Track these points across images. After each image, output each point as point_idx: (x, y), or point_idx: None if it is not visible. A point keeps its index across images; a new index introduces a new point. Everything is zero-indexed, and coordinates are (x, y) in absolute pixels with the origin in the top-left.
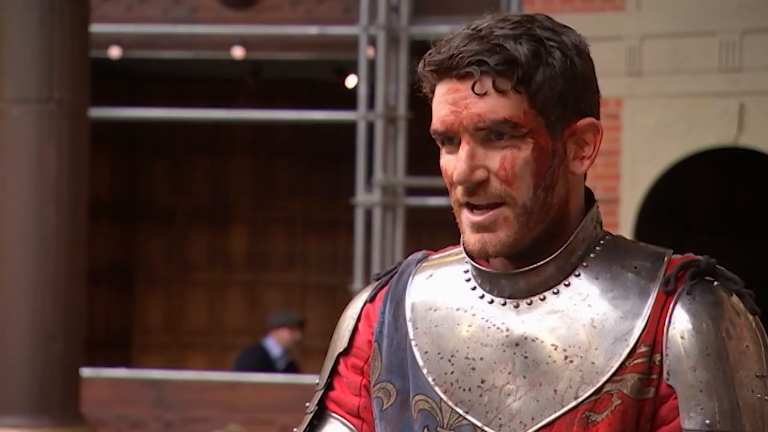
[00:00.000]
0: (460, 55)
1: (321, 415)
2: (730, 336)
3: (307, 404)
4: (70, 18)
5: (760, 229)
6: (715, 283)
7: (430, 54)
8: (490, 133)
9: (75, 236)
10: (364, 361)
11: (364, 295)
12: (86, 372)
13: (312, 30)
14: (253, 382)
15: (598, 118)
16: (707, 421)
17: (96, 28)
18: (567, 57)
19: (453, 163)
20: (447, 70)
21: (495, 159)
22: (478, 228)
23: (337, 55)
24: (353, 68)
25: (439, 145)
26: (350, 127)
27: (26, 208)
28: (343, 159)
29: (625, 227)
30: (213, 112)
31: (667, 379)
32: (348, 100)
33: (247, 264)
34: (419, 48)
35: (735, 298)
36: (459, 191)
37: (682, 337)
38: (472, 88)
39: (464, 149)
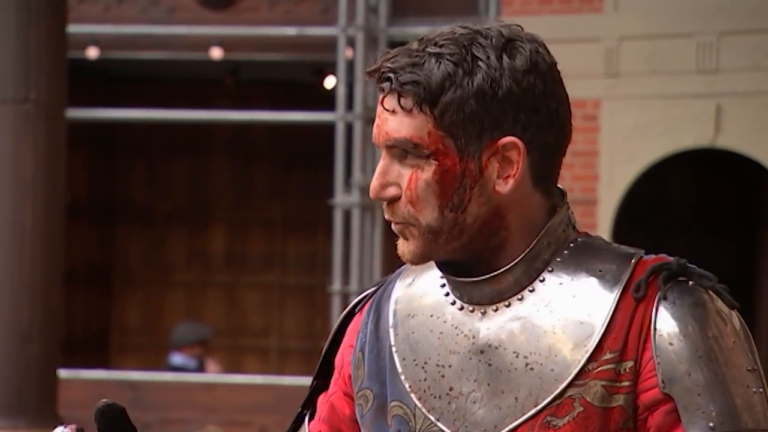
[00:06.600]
0: (380, 69)
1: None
2: (716, 335)
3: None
4: (47, 18)
5: (737, 230)
6: (690, 282)
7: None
8: (401, 150)
9: (52, 237)
10: (348, 385)
11: (353, 305)
12: (63, 373)
13: (290, 31)
14: (232, 384)
15: (533, 135)
16: (711, 425)
17: (73, 28)
18: (489, 79)
19: None
20: (375, 81)
21: (405, 177)
22: (397, 235)
23: (315, 56)
24: (332, 69)
25: None
26: (329, 128)
27: (2, 208)
28: (322, 160)
29: (603, 228)
30: (191, 112)
31: (663, 388)
32: (326, 101)
33: (226, 265)
34: None
35: (713, 296)
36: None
37: (670, 344)
38: (381, 103)
39: (380, 165)
